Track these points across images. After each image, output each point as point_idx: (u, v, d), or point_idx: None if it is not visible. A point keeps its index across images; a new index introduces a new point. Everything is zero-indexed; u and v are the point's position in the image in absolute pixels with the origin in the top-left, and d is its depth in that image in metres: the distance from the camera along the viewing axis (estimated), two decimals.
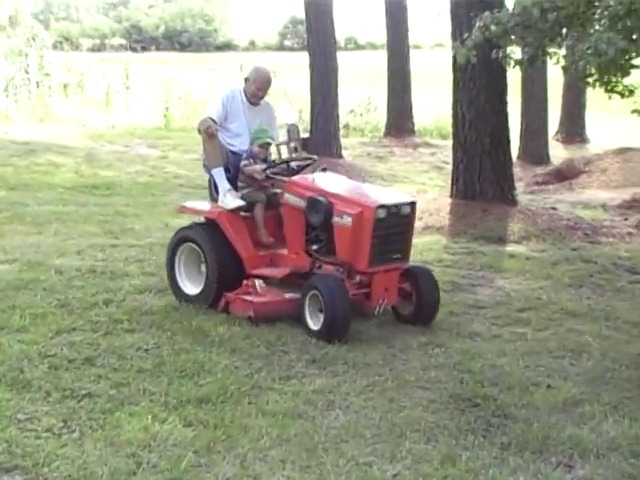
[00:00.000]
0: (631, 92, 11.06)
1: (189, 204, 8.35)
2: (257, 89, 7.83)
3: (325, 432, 5.21)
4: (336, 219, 6.94)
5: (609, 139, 21.07)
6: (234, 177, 7.73)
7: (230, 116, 7.79)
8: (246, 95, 7.86)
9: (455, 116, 12.57)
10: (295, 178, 7.49)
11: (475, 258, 10.02)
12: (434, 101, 23.16)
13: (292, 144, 17.57)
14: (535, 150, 19.83)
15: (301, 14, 24.07)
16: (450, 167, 13.30)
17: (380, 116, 23.08)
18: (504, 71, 11.52)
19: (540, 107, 20.10)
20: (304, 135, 17.53)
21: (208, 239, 7.54)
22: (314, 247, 7.22)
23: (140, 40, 53.61)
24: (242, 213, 7.65)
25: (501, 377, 6.24)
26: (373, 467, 4.81)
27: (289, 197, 7.35)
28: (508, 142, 12.57)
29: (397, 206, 7.04)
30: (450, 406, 5.72)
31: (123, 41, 49.56)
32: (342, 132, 19.35)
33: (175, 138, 19.99)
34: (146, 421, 5.17)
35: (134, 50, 40.71)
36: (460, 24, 11.79)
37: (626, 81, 11.04)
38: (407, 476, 4.71)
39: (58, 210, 11.54)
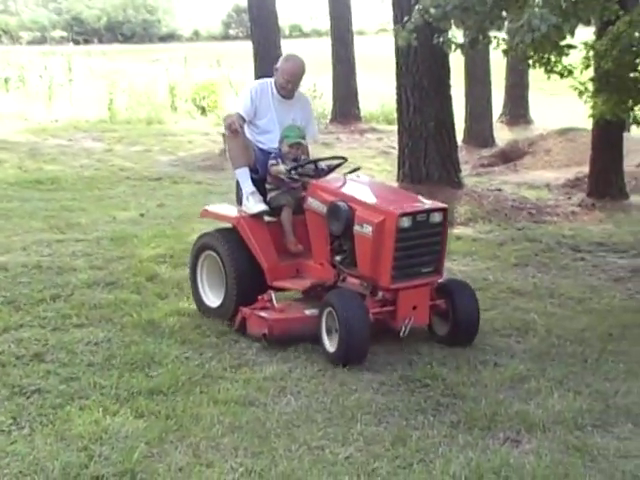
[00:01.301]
0: (570, 72, 11.22)
1: (211, 208, 7.55)
2: (286, 81, 7.13)
3: (277, 418, 5.26)
4: (357, 228, 6.20)
5: (552, 120, 21.29)
6: (262, 178, 7.07)
7: (259, 111, 7.10)
8: (277, 87, 7.16)
9: (399, 101, 12.66)
10: (318, 181, 6.72)
11: None
12: (379, 87, 23.21)
13: None
14: (480, 133, 20.00)
15: (244, 3, 23.97)
16: (396, 152, 13.39)
17: (326, 103, 23.08)
18: (446, 55, 11.59)
19: (484, 90, 20.27)
20: None
21: (227, 247, 6.91)
22: (337, 258, 6.47)
23: (82, 32, 52.96)
24: (267, 218, 7.01)
25: (449, 357, 6.33)
26: (325, 450, 4.86)
27: (312, 201, 6.63)
28: (453, 125, 12.70)
29: (425, 213, 6.20)
30: (400, 388, 5.81)
31: (64, 33, 48.89)
32: None
33: (120, 130, 19.81)
34: (97, 414, 5.17)
35: (76, 43, 40.27)
36: (401, 8, 11.84)
37: (565, 61, 11.22)
38: (359, 458, 4.77)
39: (2, 206, 11.40)
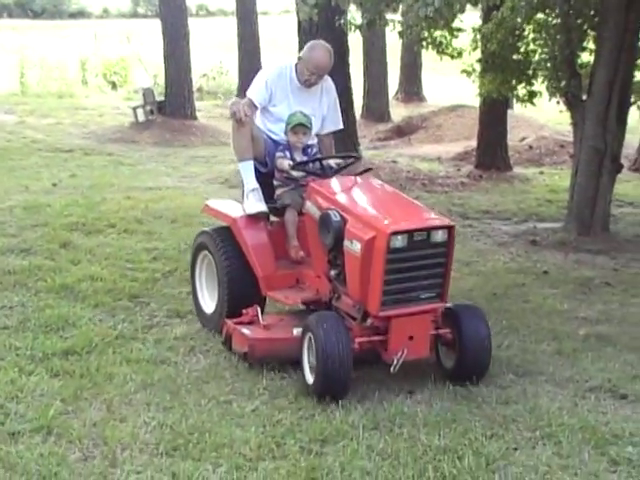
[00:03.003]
0: (459, 54, 11.46)
1: (213, 203, 6.49)
2: (310, 73, 5.94)
3: (187, 375, 5.27)
4: (347, 243, 5.09)
5: (443, 97, 21.61)
6: (271, 172, 5.99)
7: (274, 98, 6.02)
8: (297, 75, 6.02)
9: None
10: (316, 182, 5.60)
11: None
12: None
13: (148, 107, 17.33)
14: (377, 109, 20.17)
15: None
16: None
17: (232, 79, 22.97)
18: (346, 35, 11.65)
19: (380, 69, 20.45)
20: (159, 98, 17.44)
21: (221, 249, 5.89)
22: (332, 272, 5.33)
23: None
24: (272, 218, 6.07)
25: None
26: (233, 404, 4.90)
27: (310, 206, 5.54)
28: (351, 101, 12.78)
29: (425, 231, 5.00)
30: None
31: None
32: (196, 95, 19.15)
33: (32, 104, 19.35)
34: (12, 374, 5.10)
35: None
36: None
37: (455, 44, 11.42)
38: (264, 410, 4.82)
39: None
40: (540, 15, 9.73)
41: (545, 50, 10.17)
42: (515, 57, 10.59)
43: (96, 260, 7.53)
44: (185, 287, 6.93)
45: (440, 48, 11.32)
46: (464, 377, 5.16)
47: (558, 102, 10.08)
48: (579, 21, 9.69)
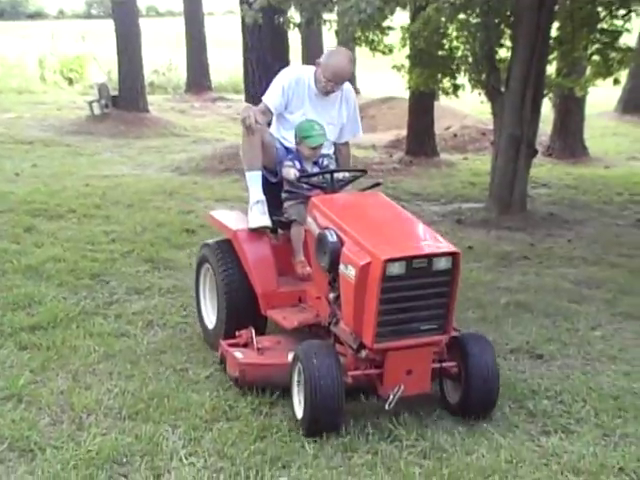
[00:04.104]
0: (390, 50, 11.51)
1: (217, 214, 5.67)
2: (327, 80, 5.15)
3: (146, 346, 5.27)
4: (342, 268, 4.31)
5: (376, 90, 21.68)
6: (281, 183, 5.23)
7: (291, 105, 5.27)
8: (315, 82, 5.24)
9: (246, 73, 12.64)
10: (319, 198, 4.80)
11: None
12: (228, 61, 23.06)
13: (103, 101, 17.06)
14: None
15: None
16: None
17: (181, 75, 22.82)
18: (286, 33, 11.63)
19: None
20: (114, 93, 17.20)
21: (221, 263, 5.18)
22: (331, 295, 4.55)
23: None
24: (280, 231, 5.33)
25: None
26: (189, 372, 4.92)
27: (310, 222, 4.77)
28: None
29: (426, 258, 4.19)
30: None
31: None
32: (148, 90, 18.93)
33: None
34: None
35: None
36: None
37: (386, 41, 11.46)
38: (218, 376, 4.86)
39: None
40: (462, 15, 9.81)
41: (467, 47, 10.27)
42: (440, 53, 10.67)
43: (58, 243, 7.45)
44: (142, 266, 6.93)
45: (372, 45, 11.37)
46: (470, 412, 4.38)
47: (479, 94, 10.20)
48: (497, 20, 9.79)
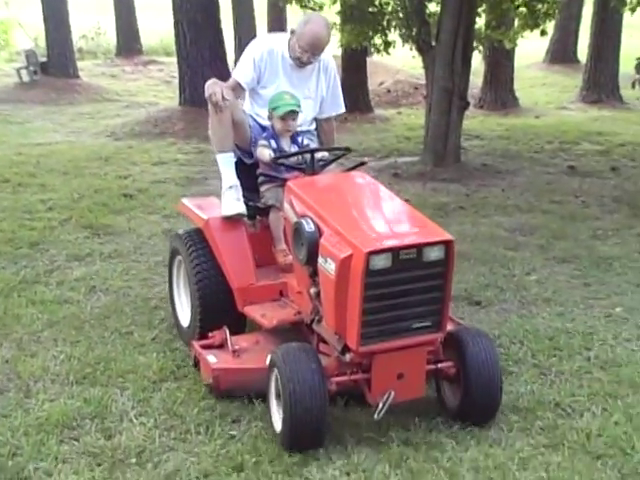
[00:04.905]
0: (321, 7, 11.48)
1: (188, 201, 5.04)
2: (302, 50, 4.65)
3: (90, 312, 5.25)
4: (321, 261, 3.76)
5: None
6: (257, 164, 4.72)
7: (264, 79, 4.76)
8: (290, 52, 4.74)
9: (177, 35, 12.49)
10: (296, 181, 4.27)
11: (205, 156, 10.10)
12: (158, 23, 22.67)
13: (31, 68, 16.63)
14: None
15: None
16: (177, 80, 13.21)
17: (110, 39, 22.36)
18: None
19: (249, 24, 20.20)
20: (42, 59, 16.79)
21: (192, 255, 4.62)
22: (313, 290, 3.95)
23: None
24: (259, 218, 4.83)
25: None
26: (134, 334, 4.92)
27: (287, 209, 4.22)
28: (225, 55, 12.68)
29: (415, 248, 3.61)
30: None
31: None
32: (77, 55, 18.51)
33: None
34: None
35: None
36: None
37: None
38: (163, 338, 4.88)
39: None
40: None
41: (397, 2, 10.30)
42: (371, 10, 10.68)
43: None
44: (81, 233, 6.85)
45: (303, 3, 11.32)
46: (470, 417, 3.91)
47: (411, 48, 10.25)
48: None
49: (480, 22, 11.05)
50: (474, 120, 13.08)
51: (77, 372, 4.36)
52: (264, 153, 4.52)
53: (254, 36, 20.31)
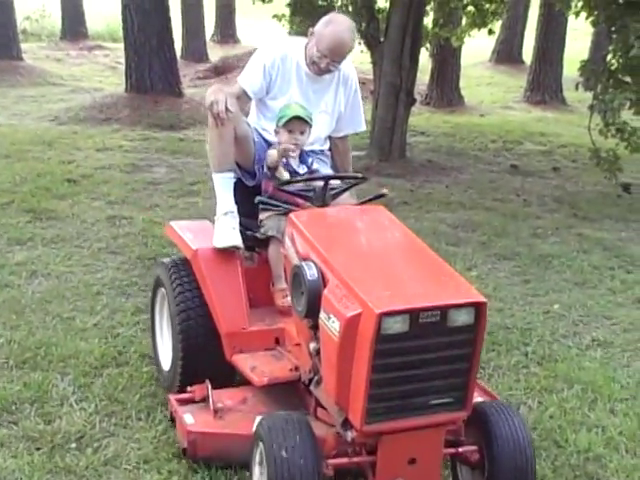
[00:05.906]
0: None
1: (177, 225, 4.24)
2: (321, 54, 3.95)
3: (31, 297, 5.19)
4: (323, 317, 3.04)
5: (256, 39, 21.52)
6: (259, 187, 3.99)
7: (275, 88, 4.07)
8: (306, 58, 4.04)
9: (125, 20, 12.33)
10: (300, 214, 3.53)
11: (151, 143, 10.06)
12: (104, 8, 22.38)
13: None
14: (195, 49, 19.83)
15: None
16: (123, 66, 13.07)
17: (55, 22, 21.98)
18: None
19: (197, 12, 20.14)
20: None
21: (177, 289, 3.92)
22: (312, 345, 3.23)
23: None
24: (257, 250, 4.09)
25: None
26: (76, 320, 4.88)
27: (289, 247, 3.48)
28: (172, 42, 12.58)
29: (438, 311, 2.88)
30: (138, 265, 5.87)
31: None
32: (21, 37, 18.15)
33: None
34: None
35: None
36: None
37: None
38: (105, 324, 4.85)
39: None
40: None
41: None
42: (320, 2, 10.72)
43: None
44: (23, 217, 6.76)
45: None
46: None
47: (359, 43, 10.30)
48: None
49: (428, 20, 11.18)
50: (420, 117, 13.22)
51: (17, 356, 4.32)
52: (273, 156, 3.88)
53: (202, 24, 20.38)
